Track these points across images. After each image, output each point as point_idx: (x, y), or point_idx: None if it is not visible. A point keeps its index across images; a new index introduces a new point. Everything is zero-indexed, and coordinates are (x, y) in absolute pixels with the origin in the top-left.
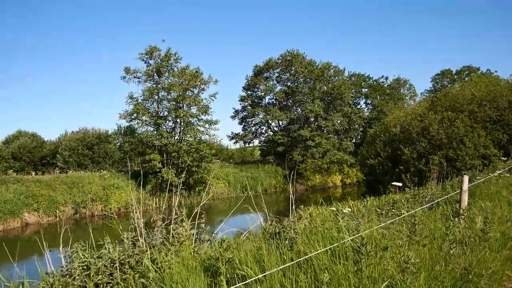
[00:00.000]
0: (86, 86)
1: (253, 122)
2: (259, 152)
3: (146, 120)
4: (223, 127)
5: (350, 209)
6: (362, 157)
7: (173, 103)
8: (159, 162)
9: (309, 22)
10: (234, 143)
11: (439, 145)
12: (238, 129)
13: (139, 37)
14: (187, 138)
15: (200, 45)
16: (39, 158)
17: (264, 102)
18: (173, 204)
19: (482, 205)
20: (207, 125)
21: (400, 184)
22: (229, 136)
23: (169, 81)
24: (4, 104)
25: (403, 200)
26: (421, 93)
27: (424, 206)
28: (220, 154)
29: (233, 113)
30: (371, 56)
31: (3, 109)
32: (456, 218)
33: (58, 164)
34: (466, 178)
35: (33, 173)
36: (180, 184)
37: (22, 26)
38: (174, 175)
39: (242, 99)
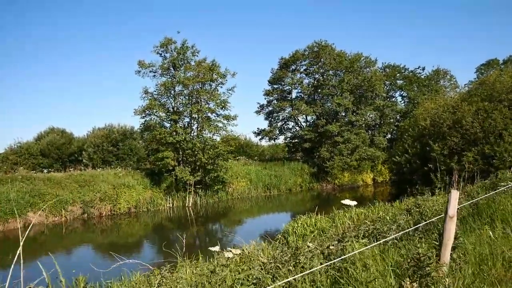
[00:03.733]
0: (115, 82)
1: (280, 117)
2: (286, 148)
3: (161, 116)
4: (248, 123)
5: (239, 252)
6: (390, 154)
7: (188, 97)
8: (172, 160)
9: (342, 13)
10: (260, 139)
11: (474, 140)
12: (264, 124)
13: (160, 29)
14: (204, 134)
15: (219, 38)
16: (67, 155)
17: (291, 96)
18: (186, 205)
19: (489, 235)
20: (225, 121)
21: (354, 203)
22: (255, 132)
23: (183, 74)
24: (38, 100)
25: (388, 218)
26: (465, 85)
27: (380, 241)
28: (249, 150)
29: (258, 108)
30: (410, 48)
31: (38, 106)
32: (408, 279)
33: (84, 160)
34: (454, 195)
35: (45, 171)
36: (192, 183)
37: (48, 22)
38: (188, 173)
39: (267, 93)
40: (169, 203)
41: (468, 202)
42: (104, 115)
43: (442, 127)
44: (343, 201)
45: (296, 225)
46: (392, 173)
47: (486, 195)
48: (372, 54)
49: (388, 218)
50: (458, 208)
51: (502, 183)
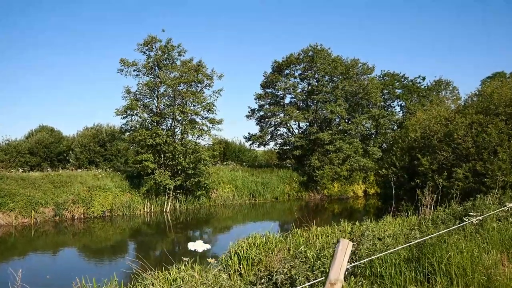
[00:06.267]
0: (109, 80)
1: (272, 123)
2: (277, 155)
3: (144, 117)
4: (242, 128)
5: None
6: (378, 166)
7: (172, 98)
8: (152, 163)
9: (347, 19)
10: (250, 144)
11: (466, 156)
12: (255, 129)
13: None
14: (186, 138)
15: (211, 40)
16: (55, 154)
17: (283, 102)
18: (165, 210)
19: None
20: (210, 124)
21: (202, 249)
22: (246, 137)
23: (168, 74)
24: (31, 98)
25: (310, 254)
26: (468, 97)
27: None
28: (242, 155)
29: (249, 112)
30: (414, 59)
31: (30, 104)
32: None
33: (70, 160)
34: (342, 247)
35: (20, 170)
36: (172, 187)
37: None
38: (168, 177)
39: (258, 97)
40: (147, 208)
41: (440, 232)
42: (98, 114)
43: (432, 140)
44: (189, 245)
45: (243, 243)
46: (378, 186)
47: (430, 236)
48: (376, 63)
49: (309, 254)
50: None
51: (471, 214)
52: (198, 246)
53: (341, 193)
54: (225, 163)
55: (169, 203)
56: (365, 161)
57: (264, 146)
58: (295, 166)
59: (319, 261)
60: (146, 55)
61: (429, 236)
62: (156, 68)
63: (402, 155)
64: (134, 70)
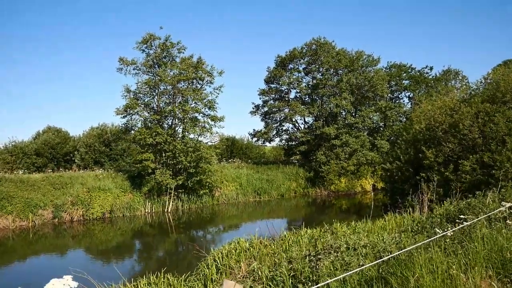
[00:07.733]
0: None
1: (278, 118)
2: (284, 151)
3: (145, 116)
4: (248, 124)
5: None
6: (383, 160)
7: (172, 96)
8: (153, 162)
9: (353, 12)
10: (256, 141)
11: (472, 147)
12: (260, 126)
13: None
14: (187, 136)
15: (212, 37)
16: (62, 155)
17: (288, 97)
18: (166, 210)
19: None
20: (211, 122)
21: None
22: (251, 134)
23: (167, 72)
24: (39, 100)
25: None
26: (476, 86)
27: None
28: (249, 152)
29: (253, 108)
30: (424, 48)
31: (38, 105)
32: None
33: (76, 161)
34: None
35: (21, 172)
36: (173, 187)
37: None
38: (169, 177)
39: (262, 93)
40: (148, 208)
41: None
42: (104, 113)
43: (437, 131)
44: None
45: (223, 250)
46: (383, 181)
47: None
48: (383, 55)
49: (263, 273)
50: None
51: (461, 217)
52: (58, 286)
53: (349, 189)
54: (230, 160)
55: (171, 203)
56: (373, 154)
57: (270, 142)
58: (301, 162)
59: (273, 281)
60: (145, 53)
61: (398, 252)
62: (156, 66)
63: (407, 148)
64: (133, 69)
